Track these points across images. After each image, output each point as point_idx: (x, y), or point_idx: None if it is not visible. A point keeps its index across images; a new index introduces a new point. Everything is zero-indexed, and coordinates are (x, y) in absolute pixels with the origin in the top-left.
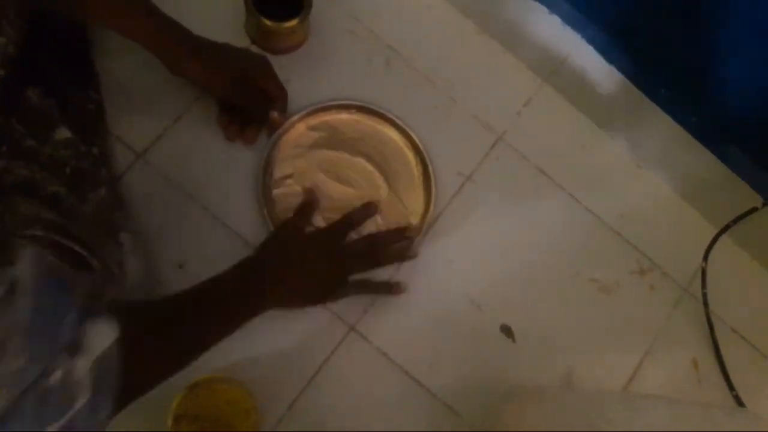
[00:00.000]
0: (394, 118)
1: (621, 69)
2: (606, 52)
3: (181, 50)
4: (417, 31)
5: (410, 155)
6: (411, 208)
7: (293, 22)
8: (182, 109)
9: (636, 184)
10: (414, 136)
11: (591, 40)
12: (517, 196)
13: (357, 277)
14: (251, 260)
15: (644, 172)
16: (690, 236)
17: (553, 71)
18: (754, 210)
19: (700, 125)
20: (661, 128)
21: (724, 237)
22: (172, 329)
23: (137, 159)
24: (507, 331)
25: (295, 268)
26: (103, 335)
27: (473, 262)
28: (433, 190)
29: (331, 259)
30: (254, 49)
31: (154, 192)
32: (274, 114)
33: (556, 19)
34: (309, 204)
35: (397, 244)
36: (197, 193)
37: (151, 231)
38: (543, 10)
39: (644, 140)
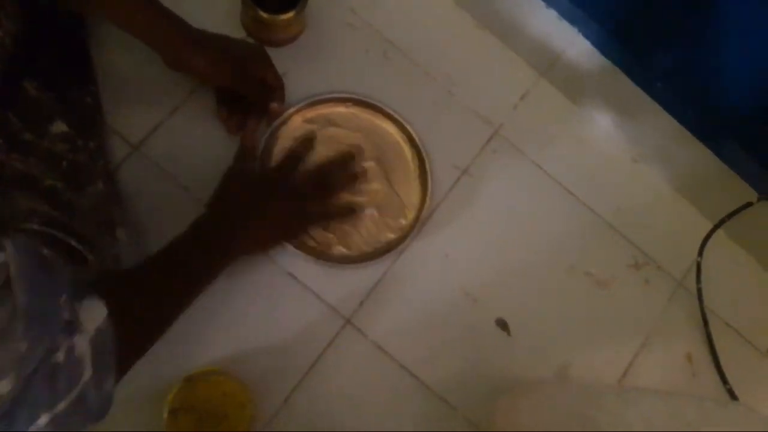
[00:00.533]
0: (391, 112)
1: (617, 63)
2: (602, 46)
3: (180, 42)
4: (415, 24)
5: (407, 148)
6: (407, 200)
7: (290, 15)
8: (178, 101)
9: (632, 179)
10: (411, 130)
11: (587, 35)
12: (513, 189)
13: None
14: (206, 216)
15: (640, 167)
16: (685, 231)
17: (550, 65)
18: (749, 205)
19: (696, 120)
20: (657, 123)
21: (719, 231)
22: (149, 297)
23: (133, 151)
24: (502, 324)
25: (251, 210)
26: (94, 313)
27: (469, 256)
28: (430, 183)
29: (284, 195)
30: (250, 41)
31: (149, 185)
32: (274, 104)
33: (552, 13)
34: (249, 147)
35: (345, 169)
36: (193, 186)
37: (148, 224)
38: (540, 4)
39: (640, 134)
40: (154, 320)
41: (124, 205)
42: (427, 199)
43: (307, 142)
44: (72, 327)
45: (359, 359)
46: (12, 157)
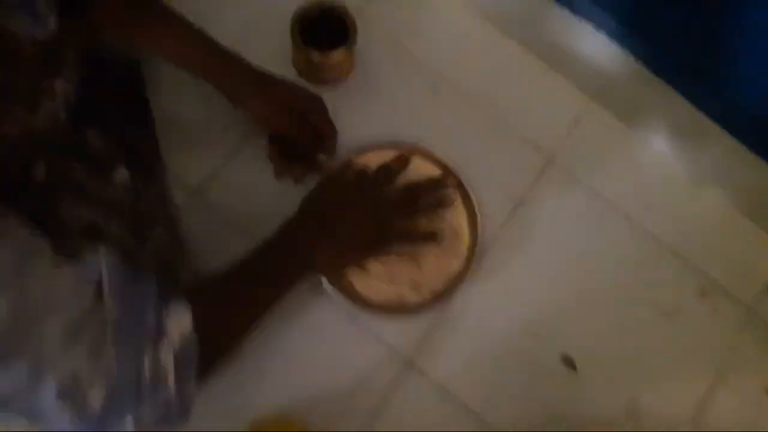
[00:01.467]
0: (423, 147)
1: (671, 83)
2: (654, 66)
3: (242, 81)
4: (461, 56)
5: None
6: (457, 234)
7: (340, 52)
8: (235, 145)
9: (694, 203)
10: (448, 163)
11: (639, 56)
12: (570, 218)
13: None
14: (294, 221)
15: (703, 190)
16: (753, 254)
17: (601, 88)
18: None
19: (758, 139)
20: (717, 142)
21: None
22: (233, 302)
23: (191, 196)
24: (568, 361)
25: (339, 217)
26: (179, 320)
27: (529, 290)
28: (478, 213)
29: (372, 207)
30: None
31: (208, 229)
32: (322, 157)
33: (601, 36)
34: (353, 162)
35: (436, 192)
36: (253, 230)
37: (208, 268)
38: (588, 27)
39: (700, 155)
40: (237, 325)
41: (186, 250)
42: (478, 228)
43: (402, 159)
44: (159, 335)
45: (423, 401)
46: (78, 206)
